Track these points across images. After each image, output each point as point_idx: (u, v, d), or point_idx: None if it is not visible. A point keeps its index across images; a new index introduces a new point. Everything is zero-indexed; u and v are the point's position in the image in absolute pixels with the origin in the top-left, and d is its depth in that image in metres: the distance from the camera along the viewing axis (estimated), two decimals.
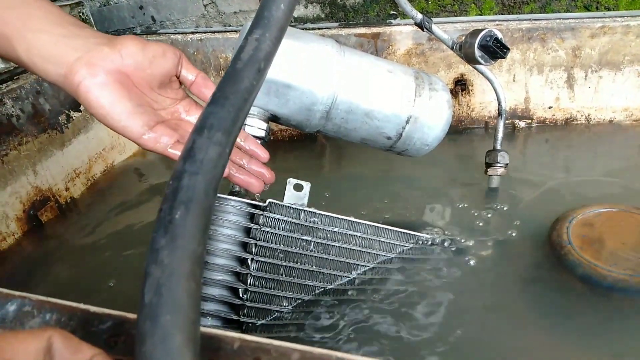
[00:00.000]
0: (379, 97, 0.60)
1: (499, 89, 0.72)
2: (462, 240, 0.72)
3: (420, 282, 0.66)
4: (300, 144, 1.15)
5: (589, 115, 1.05)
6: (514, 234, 0.75)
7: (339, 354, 0.31)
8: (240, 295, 0.58)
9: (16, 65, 0.98)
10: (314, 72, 0.57)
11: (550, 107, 1.06)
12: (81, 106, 1.04)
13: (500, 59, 0.62)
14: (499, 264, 0.71)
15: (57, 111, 0.98)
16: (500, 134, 0.76)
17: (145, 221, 0.93)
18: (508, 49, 0.61)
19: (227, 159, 0.33)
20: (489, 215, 0.79)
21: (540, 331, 0.61)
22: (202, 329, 0.32)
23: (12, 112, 0.89)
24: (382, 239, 0.65)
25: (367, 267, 0.64)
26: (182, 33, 1.11)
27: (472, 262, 0.69)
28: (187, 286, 0.26)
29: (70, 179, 1.00)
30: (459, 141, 1.10)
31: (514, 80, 1.05)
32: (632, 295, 0.60)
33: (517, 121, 1.08)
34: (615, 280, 0.61)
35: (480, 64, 0.62)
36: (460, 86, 1.07)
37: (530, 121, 1.08)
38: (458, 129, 1.11)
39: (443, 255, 0.69)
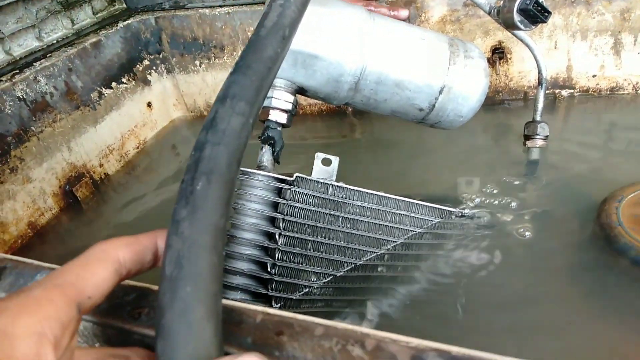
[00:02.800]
0: (410, 66, 0.57)
1: (539, 56, 0.68)
2: (499, 216, 0.69)
3: (453, 260, 0.64)
4: (330, 117, 1.13)
5: (637, 84, 0.98)
6: (556, 212, 0.71)
7: (364, 330, 0.30)
8: (269, 269, 0.58)
9: (50, 43, 0.99)
10: (342, 42, 0.55)
11: (594, 76, 1.00)
12: (112, 83, 1.05)
13: (540, 24, 0.58)
14: (540, 243, 0.67)
15: (89, 88, 0.99)
16: (540, 105, 0.72)
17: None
18: (549, 13, 0.57)
19: (250, 130, 0.32)
20: (529, 190, 0.76)
21: (590, 316, 0.57)
22: (225, 302, 0.31)
23: (46, 89, 0.90)
24: (412, 214, 0.63)
25: (397, 243, 0.62)
26: (210, 7, 1.09)
27: (510, 240, 0.66)
28: (208, 258, 0.26)
29: (104, 155, 1.02)
30: (496, 112, 1.05)
31: (555, 47, 0.99)
32: None
33: (558, 91, 1.02)
34: None
35: (520, 29, 0.58)
36: (497, 54, 1.02)
37: (572, 91, 1.02)
38: (495, 100, 1.06)
39: (478, 231, 0.67)
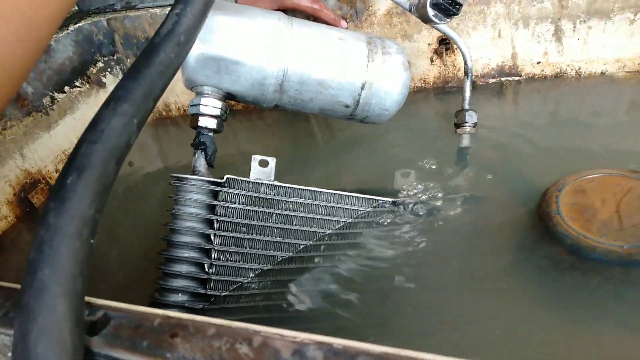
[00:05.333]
0: (330, 65, 0.59)
1: (463, 47, 0.70)
2: (435, 204, 0.71)
3: (387, 249, 0.66)
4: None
5: (579, 69, 1.01)
6: (498, 201, 0.72)
7: (257, 327, 0.31)
8: (206, 269, 0.60)
9: None
10: (261, 47, 0.57)
11: (538, 62, 1.02)
12: (65, 87, 1.05)
13: (454, 16, 0.60)
14: (477, 233, 0.68)
15: (40, 94, 1.00)
16: (467, 94, 0.74)
17: (136, 199, 0.95)
18: (460, 5, 0.59)
19: (134, 130, 0.35)
20: (467, 178, 0.77)
21: (523, 305, 0.58)
22: (130, 307, 0.33)
23: None
24: (345, 206, 0.65)
25: (332, 233, 0.65)
26: (161, 6, 1.10)
27: (445, 229, 0.67)
28: (70, 244, 0.28)
29: (60, 160, 1.03)
30: (446, 102, 1.07)
31: (499, 36, 1.01)
32: (623, 267, 0.56)
33: (505, 79, 1.05)
34: (605, 252, 0.56)
35: (436, 23, 0.60)
36: (444, 45, 1.04)
37: (518, 78, 1.04)
38: (445, 90, 1.08)
39: (413, 220, 0.69)
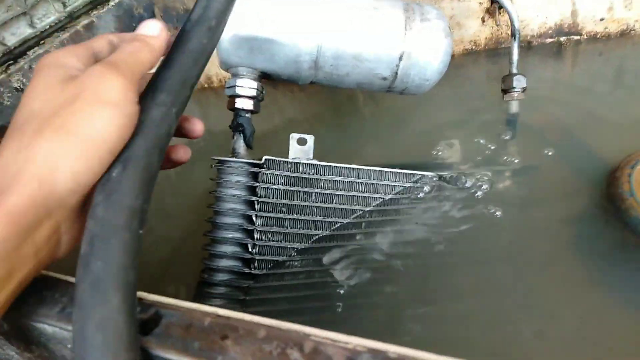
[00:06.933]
0: (365, 37, 0.57)
1: (508, 5, 0.66)
2: (482, 177, 0.67)
3: (433, 228, 0.64)
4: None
5: None
6: (555, 178, 0.66)
7: (307, 330, 0.30)
8: (250, 249, 0.61)
9: (44, 29, 1.01)
10: (294, 24, 0.55)
11: (602, 19, 0.93)
12: None
13: None
14: (531, 212, 0.63)
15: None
16: (515, 57, 0.70)
17: (182, 177, 0.97)
18: None
19: (173, 118, 0.35)
20: (518, 149, 0.73)
21: (594, 298, 0.53)
22: (175, 303, 0.33)
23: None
24: (386, 183, 0.64)
25: (373, 211, 0.64)
26: None
27: (496, 211, 0.62)
28: (120, 236, 0.28)
29: None
30: (499, 64, 1.01)
31: None
32: None
33: (564, 38, 0.97)
34: None
35: None
36: (497, 3, 0.97)
37: (578, 37, 0.96)
38: (498, 52, 1.02)
39: (458, 194, 0.66)
